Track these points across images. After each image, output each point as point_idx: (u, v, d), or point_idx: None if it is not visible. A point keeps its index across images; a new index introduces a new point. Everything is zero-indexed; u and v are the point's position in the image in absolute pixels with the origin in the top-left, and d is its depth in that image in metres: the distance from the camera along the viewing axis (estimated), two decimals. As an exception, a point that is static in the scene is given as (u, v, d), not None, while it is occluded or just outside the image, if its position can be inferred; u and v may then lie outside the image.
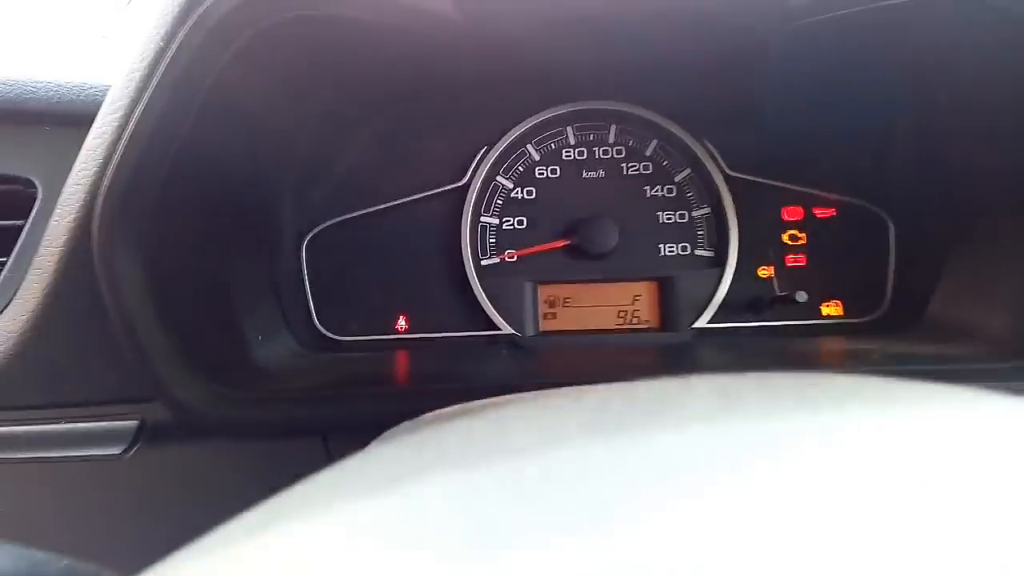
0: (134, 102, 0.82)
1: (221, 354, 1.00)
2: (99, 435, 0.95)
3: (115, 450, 0.95)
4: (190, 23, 0.83)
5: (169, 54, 0.83)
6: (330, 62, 1.08)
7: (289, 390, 0.97)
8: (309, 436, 0.96)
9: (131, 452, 0.95)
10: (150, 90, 0.82)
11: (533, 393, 0.68)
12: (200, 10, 0.82)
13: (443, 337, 1.34)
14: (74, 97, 0.98)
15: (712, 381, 0.48)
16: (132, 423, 0.93)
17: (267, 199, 1.20)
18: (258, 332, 1.12)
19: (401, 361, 1.24)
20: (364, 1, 0.93)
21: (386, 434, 0.69)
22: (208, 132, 0.92)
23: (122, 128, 0.83)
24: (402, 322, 1.35)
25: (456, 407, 0.70)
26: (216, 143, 0.97)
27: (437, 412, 0.71)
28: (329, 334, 1.34)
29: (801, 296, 1.26)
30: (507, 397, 0.70)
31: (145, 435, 0.94)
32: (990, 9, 0.93)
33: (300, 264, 1.33)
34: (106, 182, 0.83)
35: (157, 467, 0.97)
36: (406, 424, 0.70)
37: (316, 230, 1.34)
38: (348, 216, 1.35)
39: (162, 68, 0.82)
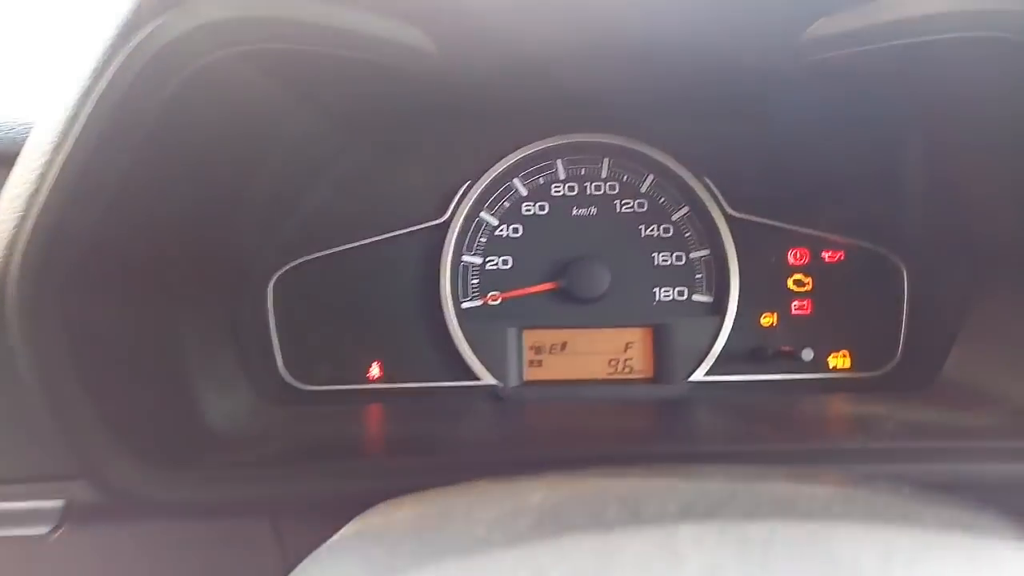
0: (56, 148, 0.72)
1: (162, 422, 0.90)
2: (23, 514, 0.85)
3: (41, 530, 0.85)
4: (122, 56, 0.73)
5: (97, 91, 0.73)
6: (292, 94, 0.98)
7: (236, 466, 0.87)
8: (256, 517, 0.86)
9: (58, 532, 0.85)
10: (74, 134, 0.72)
11: (507, 501, 0.58)
12: (132, 44, 0.73)
13: (419, 387, 1.24)
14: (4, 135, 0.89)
15: (705, 555, 0.39)
16: (57, 503, 0.83)
17: (226, 239, 1.09)
18: (213, 389, 1.02)
19: (369, 422, 1.14)
20: (331, 36, 0.83)
21: (325, 549, 0.59)
22: (149, 174, 0.82)
23: (43, 176, 0.73)
24: (375, 369, 1.25)
25: (409, 519, 0.60)
26: (159, 185, 0.87)
27: (385, 522, 0.61)
28: (296, 383, 1.23)
29: (807, 354, 1.16)
30: (474, 503, 0.60)
31: (73, 515, 0.84)
32: (1013, 48, 0.84)
33: (266, 306, 1.23)
34: (24, 238, 0.73)
35: (88, 548, 0.87)
36: (348, 535, 0.60)
37: (284, 269, 1.24)
38: (318, 254, 1.25)
39: (89, 107, 0.72)
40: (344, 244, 1.25)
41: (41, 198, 0.72)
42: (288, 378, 1.23)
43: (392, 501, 0.67)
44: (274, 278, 1.23)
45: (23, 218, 0.73)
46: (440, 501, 0.63)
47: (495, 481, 0.69)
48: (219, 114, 0.91)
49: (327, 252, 1.25)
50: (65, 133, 0.73)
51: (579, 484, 0.62)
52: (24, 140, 0.81)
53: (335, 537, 0.61)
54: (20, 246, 0.73)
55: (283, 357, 1.24)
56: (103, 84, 0.73)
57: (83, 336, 0.78)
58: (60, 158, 0.73)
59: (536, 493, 0.60)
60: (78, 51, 0.74)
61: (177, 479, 0.81)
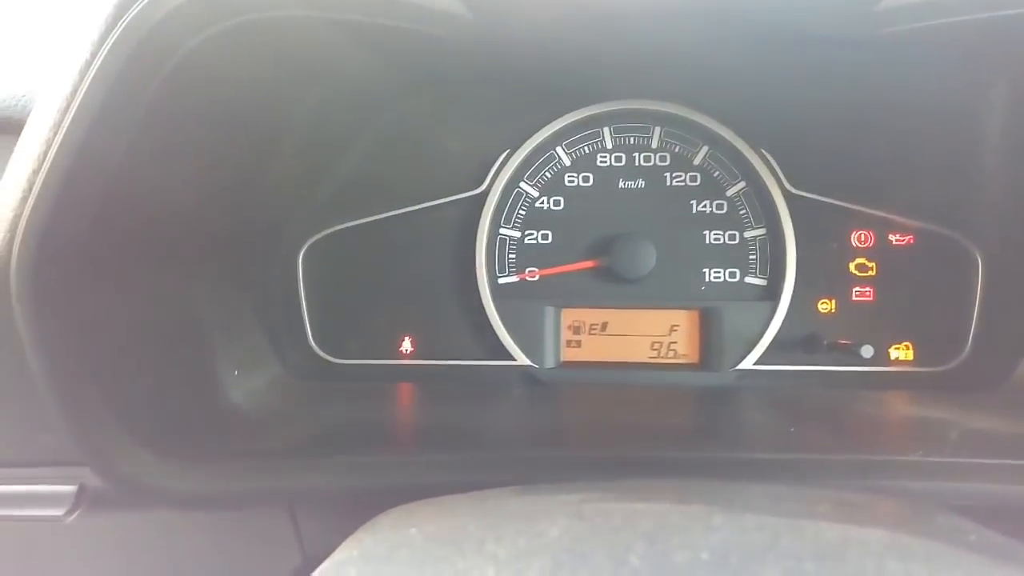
0: (57, 124, 0.68)
1: (178, 406, 0.86)
2: (40, 496, 0.84)
3: (57, 512, 0.84)
4: (133, 14, 0.67)
5: (102, 55, 0.67)
6: (323, 60, 0.92)
7: (252, 456, 0.83)
8: (274, 507, 0.83)
9: (74, 515, 0.83)
10: (75, 104, 0.67)
11: (523, 533, 0.53)
12: (137, 7, 0.67)
13: (452, 365, 1.19)
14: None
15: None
16: (72, 487, 0.81)
17: (254, 209, 1.05)
18: (235, 365, 0.99)
19: (397, 405, 1.10)
20: (362, 2, 0.76)
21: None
22: (156, 147, 0.77)
23: (44, 155, 0.68)
24: (407, 344, 1.20)
25: (417, 546, 0.55)
26: (170, 154, 0.82)
27: (392, 546, 0.56)
28: (326, 356, 1.20)
29: (867, 351, 1.08)
30: (488, 532, 0.55)
31: (86, 499, 0.82)
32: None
33: (296, 276, 1.19)
34: (24, 220, 0.69)
35: (103, 530, 0.86)
36: (354, 555, 0.56)
37: (315, 238, 1.19)
38: (351, 223, 1.20)
39: (91, 75, 0.67)
40: (378, 213, 1.20)
41: (41, 176, 0.68)
42: (318, 351, 1.20)
43: (404, 511, 0.62)
44: (305, 247, 1.19)
45: (24, 199, 0.69)
46: (453, 524, 0.58)
47: (516, 494, 0.64)
48: (241, 77, 0.85)
49: (360, 221, 1.20)
50: (66, 105, 0.68)
51: (605, 508, 0.57)
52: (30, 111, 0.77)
53: (338, 555, 0.56)
54: (21, 227, 0.69)
55: (313, 329, 1.20)
56: (108, 47, 0.68)
57: (91, 320, 0.75)
58: (60, 134, 0.68)
59: (556, 522, 0.55)
60: (82, 21, 0.69)
61: (190, 469, 0.78)
